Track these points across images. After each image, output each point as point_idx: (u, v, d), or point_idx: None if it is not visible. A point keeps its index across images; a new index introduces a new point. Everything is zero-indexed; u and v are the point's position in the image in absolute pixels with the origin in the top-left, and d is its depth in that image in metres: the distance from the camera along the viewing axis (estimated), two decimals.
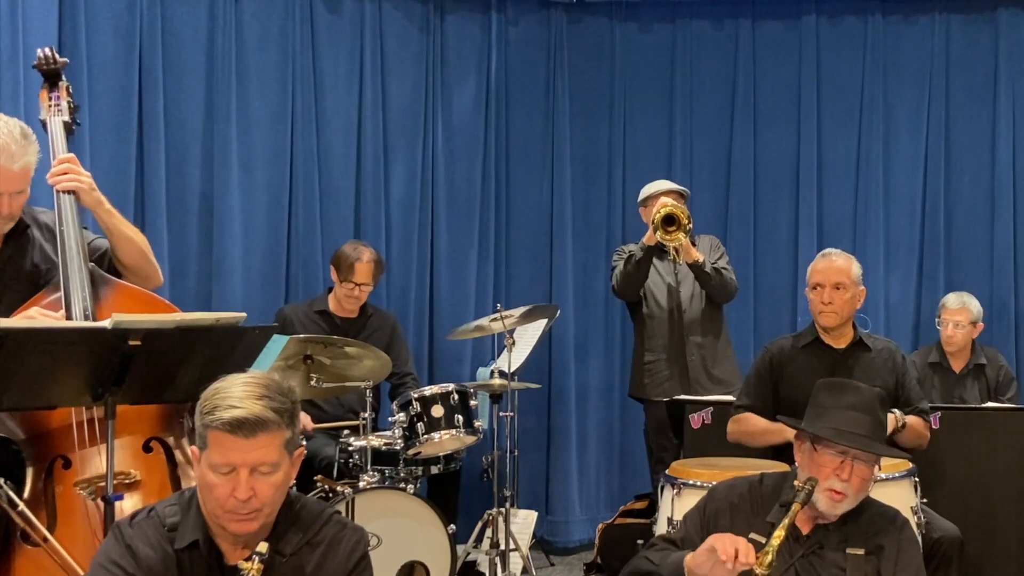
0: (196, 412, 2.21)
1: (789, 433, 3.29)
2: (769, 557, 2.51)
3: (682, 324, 5.09)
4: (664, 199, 4.95)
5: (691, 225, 4.85)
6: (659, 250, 5.02)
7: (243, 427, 2.13)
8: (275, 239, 5.45)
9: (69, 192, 3.10)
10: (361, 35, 5.66)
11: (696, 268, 4.98)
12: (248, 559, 2.16)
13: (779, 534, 2.56)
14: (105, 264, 3.20)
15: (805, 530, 2.77)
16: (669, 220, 4.83)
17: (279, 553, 2.23)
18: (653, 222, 4.87)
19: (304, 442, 4.62)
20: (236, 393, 2.17)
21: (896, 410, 3.86)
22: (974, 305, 5.43)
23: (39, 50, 3.33)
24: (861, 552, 2.71)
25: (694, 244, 5.05)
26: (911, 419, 3.92)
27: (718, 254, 5.15)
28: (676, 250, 4.95)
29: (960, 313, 5.40)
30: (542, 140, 6.07)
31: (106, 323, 2.61)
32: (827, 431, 2.74)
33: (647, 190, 5.20)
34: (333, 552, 2.30)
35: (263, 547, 2.17)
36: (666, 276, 5.15)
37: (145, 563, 2.23)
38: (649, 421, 5.20)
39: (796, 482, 2.70)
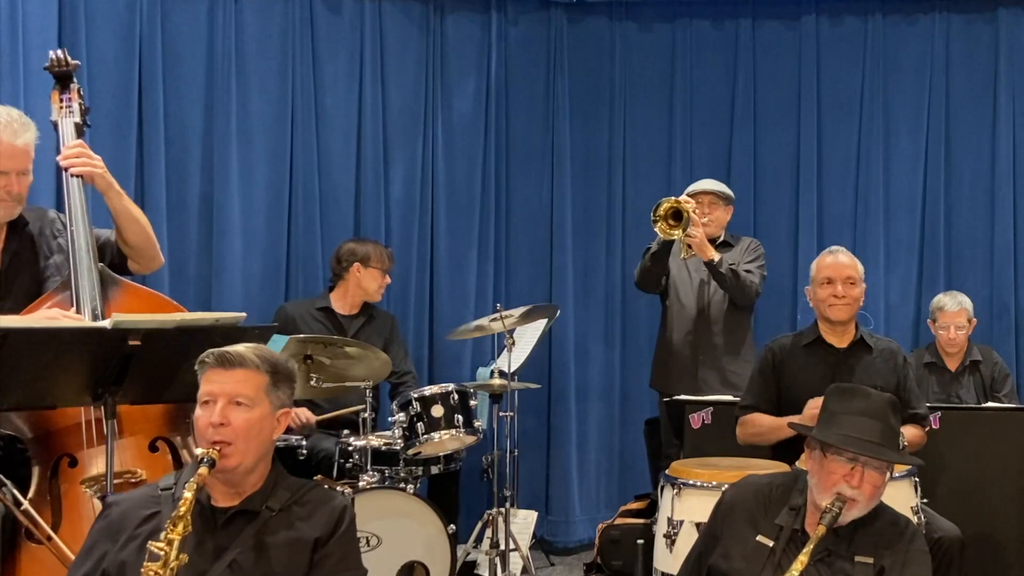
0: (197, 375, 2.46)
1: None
2: None
3: (701, 321, 5.06)
4: (685, 196, 4.94)
5: (691, 224, 4.80)
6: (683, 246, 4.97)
7: (224, 360, 2.42)
8: (275, 239, 5.45)
9: (81, 176, 3.08)
10: (361, 35, 5.66)
11: (711, 266, 4.95)
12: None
13: (803, 559, 2.56)
14: (107, 255, 3.20)
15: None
16: (677, 215, 4.82)
17: (269, 508, 2.44)
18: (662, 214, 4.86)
19: (304, 441, 4.66)
20: (227, 346, 2.48)
21: None
22: (968, 303, 5.43)
23: (51, 52, 3.33)
24: (870, 561, 2.70)
25: (732, 245, 5.05)
26: (907, 430, 3.90)
27: (750, 257, 5.10)
28: (688, 246, 4.89)
29: (959, 315, 5.39)
30: (542, 140, 6.07)
31: (106, 323, 2.61)
32: (835, 437, 2.72)
33: (691, 188, 5.17)
34: (321, 508, 2.49)
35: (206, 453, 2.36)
36: (695, 273, 5.12)
37: (117, 520, 2.42)
38: (662, 413, 5.18)
39: (825, 503, 2.68)
